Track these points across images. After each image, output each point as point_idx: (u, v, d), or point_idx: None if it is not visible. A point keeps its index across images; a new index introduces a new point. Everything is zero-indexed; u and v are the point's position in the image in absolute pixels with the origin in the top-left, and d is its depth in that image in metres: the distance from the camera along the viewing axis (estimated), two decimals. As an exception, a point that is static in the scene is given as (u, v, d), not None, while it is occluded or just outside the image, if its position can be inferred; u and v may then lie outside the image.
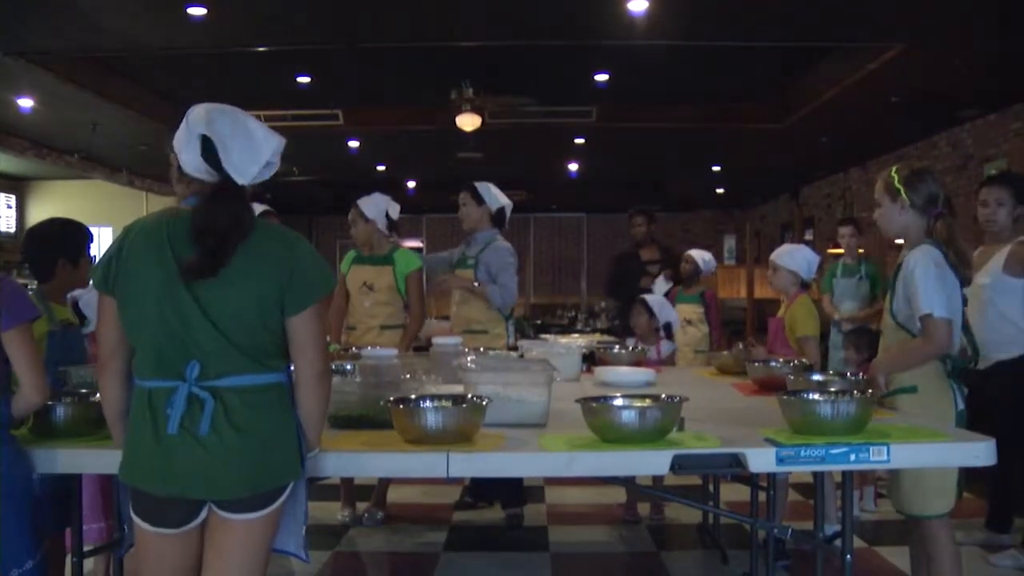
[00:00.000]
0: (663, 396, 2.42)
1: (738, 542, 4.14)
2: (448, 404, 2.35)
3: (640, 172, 12.98)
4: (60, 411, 2.31)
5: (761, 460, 2.20)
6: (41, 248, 3.01)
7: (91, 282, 2.48)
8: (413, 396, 2.45)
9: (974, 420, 2.75)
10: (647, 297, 4.86)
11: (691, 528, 4.56)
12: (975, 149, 8.48)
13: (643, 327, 4.73)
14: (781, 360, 3.57)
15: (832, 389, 2.59)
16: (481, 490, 4.91)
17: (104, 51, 6.83)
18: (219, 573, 1.93)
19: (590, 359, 4.23)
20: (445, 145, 9.89)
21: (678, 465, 2.18)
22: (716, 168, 12.35)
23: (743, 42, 6.51)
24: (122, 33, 6.23)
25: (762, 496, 3.60)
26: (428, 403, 2.35)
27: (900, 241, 2.91)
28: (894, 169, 2.85)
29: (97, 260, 2.05)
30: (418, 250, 5.66)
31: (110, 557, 2.90)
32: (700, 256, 5.63)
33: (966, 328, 2.82)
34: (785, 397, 2.40)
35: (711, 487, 4.38)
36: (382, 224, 4.60)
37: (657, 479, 4.08)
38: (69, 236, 3.05)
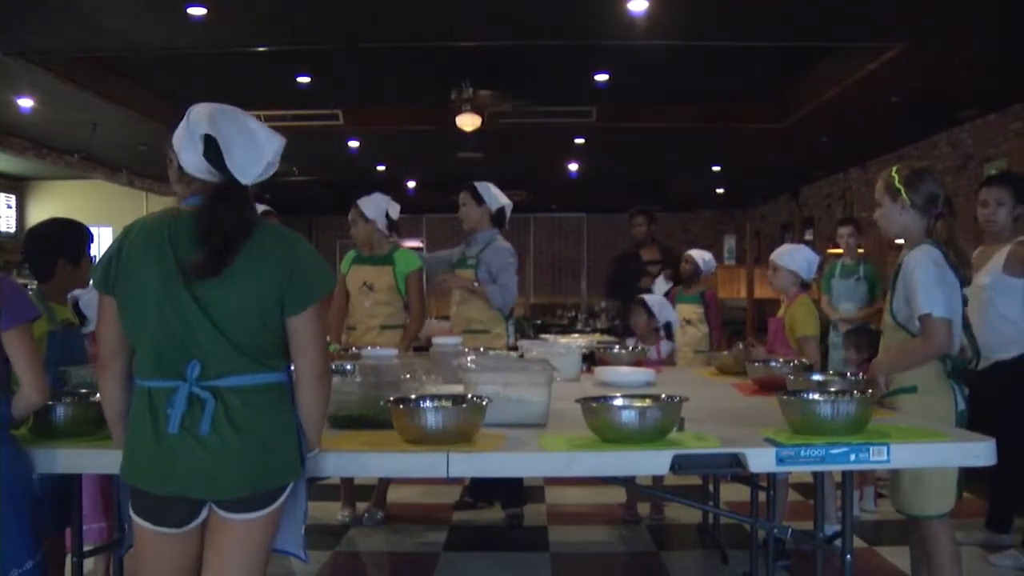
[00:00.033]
0: (663, 396, 2.42)
1: (738, 542, 4.14)
2: (448, 404, 2.35)
3: (640, 172, 12.98)
4: (60, 411, 2.31)
5: (761, 460, 2.20)
6: (41, 248, 3.01)
7: (91, 282, 2.48)
8: (413, 396, 2.46)
9: (974, 420, 2.75)
10: (646, 297, 4.86)
11: (691, 528, 4.56)
12: (975, 149, 8.48)
13: (643, 327, 4.73)
14: (781, 360, 3.58)
15: (832, 389, 2.59)
16: (481, 490, 4.91)
17: (104, 51, 6.83)
18: (219, 573, 1.93)
19: (590, 359, 4.23)
20: (445, 145, 9.88)
21: (678, 465, 2.18)
22: (716, 168, 12.35)
23: (743, 42, 6.51)
24: (122, 33, 6.23)
25: (762, 496, 3.60)
26: (428, 403, 2.35)
27: (900, 241, 2.92)
28: (894, 169, 2.86)
29: (97, 260, 2.05)
30: (418, 250, 5.64)
31: (110, 557, 2.91)
32: (700, 256, 5.63)
33: (967, 328, 2.82)
34: (785, 397, 2.40)
35: (711, 487, 4.38)
36: (382, 224, 4.60)
37: (657, 479, 4.08)
38: (69, 236, 3.05)
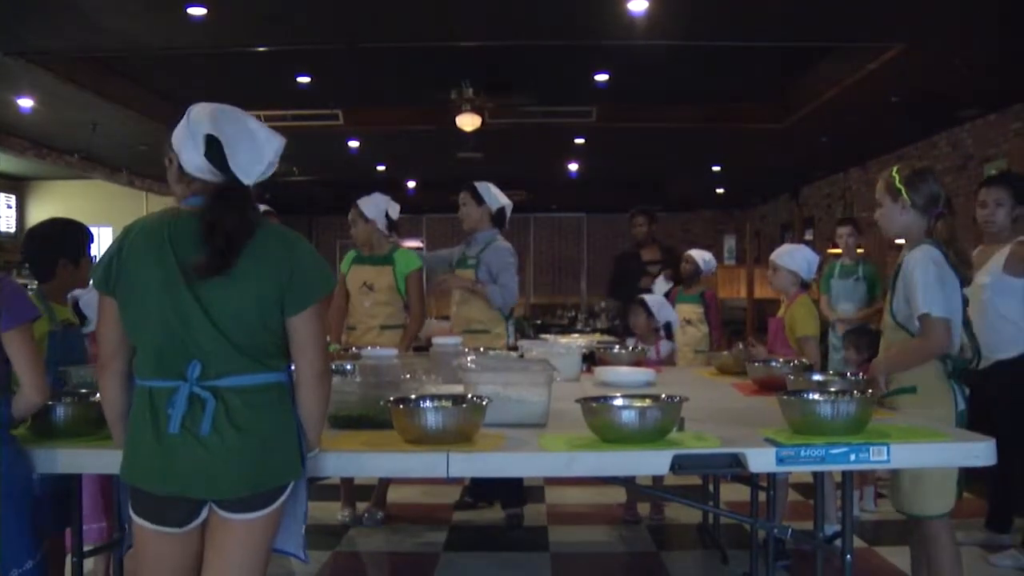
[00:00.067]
0: (663, 396, 2.42)
1: (738, 542, 4.14)
2: (448, 404, 2.35)
3: (640, 172, 12.98)
4: (60, 411, 2.31)
5: (761, 460, 2.20)
6: (42, 248, 3.01)
7: (91, 282, 2.48)
8: (413, 396, 2.46)
9: (974, 420, 2.74)
10: (645, 297, 4.86)
11: (691, 528, 4.56)
12: (975, 149, 8.49)
13: (642, 327, 4.73)
14: (781, 360, 3.57)
15: (832, 389, 2.59)
16: (481, 490, 4.91)
17: (104, 51, 6.84)
18: (219, 573, 1.93)
19: (590, 359, 4.23)
20: (445, 145, 9.89)
21: (678, 465, 2.18)
22: (716, 168, 12.35)
23: (743, 42, 6.51)
24: (122, 33, 6.23)
25: (762, 496, 3.60)
26: (428, 403, 2.35)
27: (901, 241, 2.92)
28: (895, 169, 2.86)
29: (97, 260, 2.05)
30: (418, 250, 5.64)
31: (110, 557, 2.91)
32: (700, 256, 5.62)
33: (968, 328, 2.82)
34: (785, 397, 2.40)
35: (711, 487, 4.38)
36: (382, 224, 4.60)
37: (657, 479, 4.08)
38: (70, 236, 3.05)
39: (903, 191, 2.79)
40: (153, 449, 1.88)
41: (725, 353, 4.26)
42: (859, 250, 6.22)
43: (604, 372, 3.65)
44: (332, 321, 4.63)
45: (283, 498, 1.97)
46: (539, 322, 11.46)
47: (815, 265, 4.08)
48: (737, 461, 2.20)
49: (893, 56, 6.41)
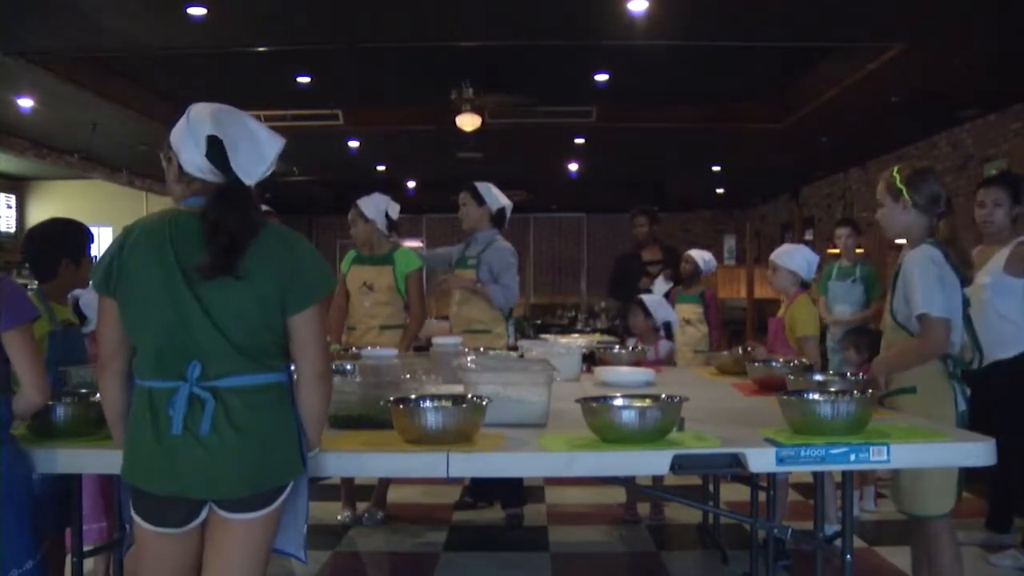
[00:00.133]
0: (663, 396, 2.42)
1: (738, 542, 4.14)
2: (448, 404, 2.35)
3: (640, 172, 12.98)
4: (60, 411, 2.31)
5: (761, 460, 2.20)
6: (43, 248, 3.01)
7: (91, 283, 2.48)
8: (413, 396, 2.46)
9: (974, 420, 2.74)
10: (644, 297, 4.86)
11: (691, 528, 4.56)
12: (975, 149, 8.48)
13: (641, 327, 4.73)
14: (781, 360, 3.57)
15: (832, 389, 2.59)
16: (481, 490, 4.91)
17: (104, 51, 6.83)
18: (219, 573, 1.93)
19: (590, 359, 4.23)
20: (445, 145, 9.89)
21: (678, 465, 2.18)
22: (716, 168, 12.35)
23: (743, 42, 6.51)
24: (122, 33, 6.23)
25: (762, 496, 3.60)
26: (428, 403, 2.35)
27: (901, 241, 2.92)
28: (896, 169, 2.86)
29: (97, 261, 2.05)
30: (418, 250, 5.64)
31: (110, 557, 2.91)
32: (700, 256, 5.62)
33: (969, 327, 2.82)
34: (785, 397, 2.40)
35: (711, 487, 4.38)
36: (382, 224, 4.60)
37: (657, 479, 4.08)
38: (71, 236, 3.05)
39: (904, 191, 2.79)
40: (153, 449, 1.88)
41: (725, 353, 4.26)
42: (858, 251, 6.20)
43: (604, 372, 3.65)
44: (332, 321, 4.63)
45: (283, 498, 1.97)
46: (539, 322, 11.47)
47: (815, 265, 4.08)
48: (737, 461, 2.20)
49: (893, 56, 6.41)
